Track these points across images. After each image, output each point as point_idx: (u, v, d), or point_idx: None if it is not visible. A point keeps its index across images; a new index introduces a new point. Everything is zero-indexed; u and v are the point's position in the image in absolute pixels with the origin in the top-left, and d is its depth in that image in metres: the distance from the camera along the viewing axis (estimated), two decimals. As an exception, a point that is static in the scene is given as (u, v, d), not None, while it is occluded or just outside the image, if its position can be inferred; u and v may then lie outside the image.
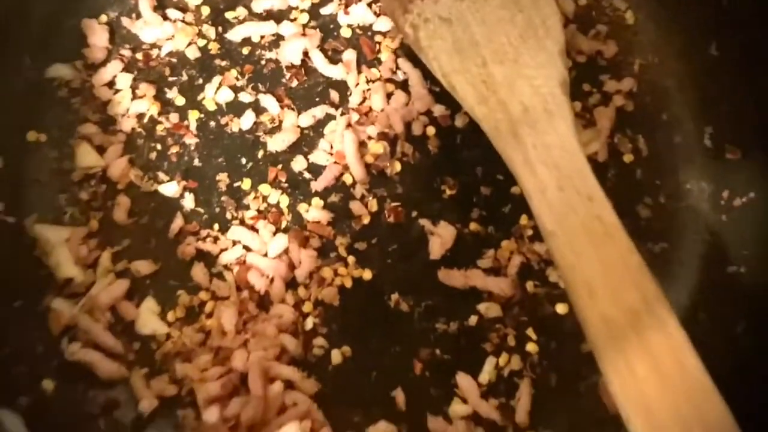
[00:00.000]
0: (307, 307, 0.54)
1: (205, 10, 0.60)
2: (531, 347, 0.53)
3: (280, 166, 0.57)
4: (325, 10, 0.60)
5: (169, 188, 0.56)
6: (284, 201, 0.56)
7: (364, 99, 0.58)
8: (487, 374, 0.53)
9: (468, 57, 0.51)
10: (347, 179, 0.56)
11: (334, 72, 0.58)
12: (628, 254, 0.41)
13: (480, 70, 0.51)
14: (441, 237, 0.55)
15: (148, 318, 0.54)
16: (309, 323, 0.53)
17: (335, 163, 0.57)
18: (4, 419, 0.40)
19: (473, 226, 0.55)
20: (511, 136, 0.47)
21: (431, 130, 0.57)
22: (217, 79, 0.59)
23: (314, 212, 0.56)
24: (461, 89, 0.51)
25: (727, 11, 0.54)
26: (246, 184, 0.56)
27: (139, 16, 0.60)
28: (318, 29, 0.60)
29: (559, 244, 0.43)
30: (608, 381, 0.39)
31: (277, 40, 0.60)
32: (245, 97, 0.58)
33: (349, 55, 0.58)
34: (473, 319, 0.54)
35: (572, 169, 0.45)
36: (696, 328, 0.50)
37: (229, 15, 0.60)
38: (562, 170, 0.45)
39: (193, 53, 0.59)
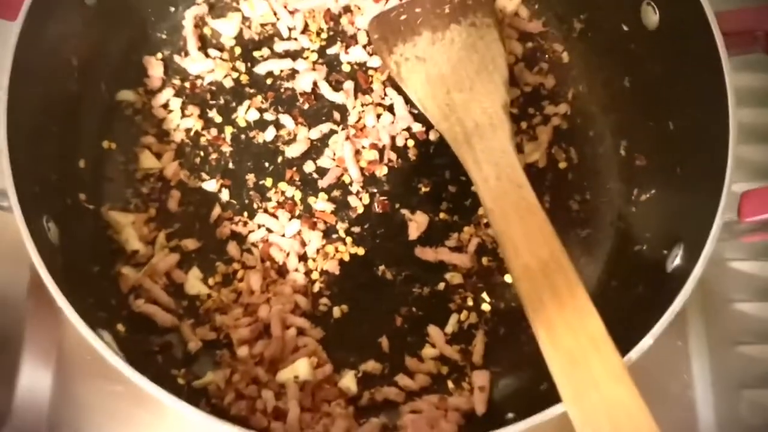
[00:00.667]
0: (314, 275, 0.66)
1: (237, 50, 0.72)
2: (485, 307, 0.66)
3: (294, 169, 0.69)
4: (330, 51, 0.73)
5: (210, 185, 0.68)
6: (298, 195, 0.68)
7: (360, 118, 0.70)
8: (451, 326, 0.65)
9: (436, 87, 0.65)
10: (346, 179, 0.69)
11: (337, 97, 0.71)
12: (543, 223, 0.55)
13: (445, 96, 0.65)
14: (417, 223, 0.67)
15: (193, 282, 0.65)
16: (316, 287, 0.66)
17: (337, 166, 0.69)
18: (104, 336, 0.52)
19: (442, 215, 0.68)
20: (466, 144, 0.62)
21: (411, 142, 0.70)
22: (246, 103, 0.70)
23: (321, 203, 0.68)
24: (431, 110, 0.65)
25: (635, 54, 0.66)
26: (268, 182, 0.68)
27: (187, 53, 0.72)
28: (324, 65, 0.72)
29: (495, 217, 0.57)
30: (525, 308, 0.53)
31: (293, 73, 0.72)
32: (268, 116, 0.70)
33: (349, 84, 0.71)
34: (441, 285, 0.66)
35: (507, 165, 0.59)
36: (609, 291, 0.66)
37: (256, 53, 0.72)
38: (500, 166, 0.59)
39: (228, 83, 0.71)
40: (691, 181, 0.60)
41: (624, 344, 0.51)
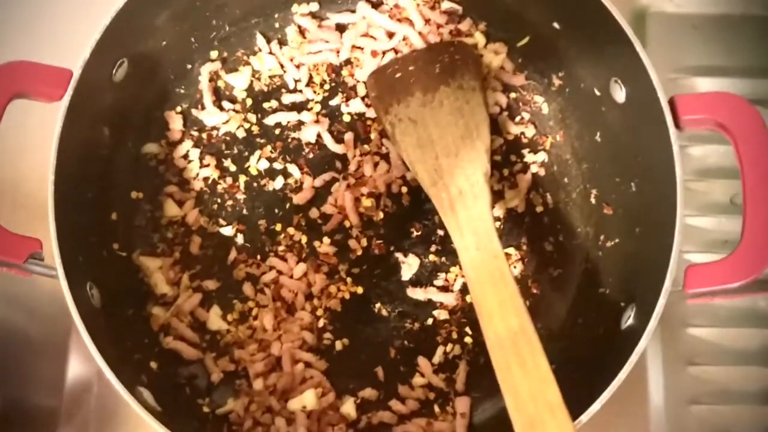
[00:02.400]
0: (319, 312, 0.74)
1: (249, 101, 0.79)
2: (468, 339, 0.74)
3: (301, 215, 0.77)
4: (332, 102, 0.80)
5: (227, 230, 0.76)
6: (304, 239, 0.76)
7: (359, 167, 0.78)
8: (437, 357, 0.74)
9: (426, 151, 0.73)
10: (347, 224, 0.76)
11: (338, 148, 0.78)
12: (514, 294, 0.62)
13: (433, 161, 0.72)
14: (410, 265, 0.76)
15: (214, 319, 0.74)
16: (321, 323, 0.74)
17: (338, 213, 0.77)
18: (143, 393, 0.62)
19: (432, 257, 0.77)
20: (450, 210, 0.69)
21: (404, 189, 0.77)
22: (258, 153, 0.78)
23: (324, 247, 0.76)
24: (420, 174, 0.72)
25: (605, 117, 0.73)
26: (278, 227, 0.76)
27: (203, 107, 0.79)
28: (327, 116, 0.79)
29: (473, 286, 0.65)
30: (497, 374, 0.60)
31: (299, 124, 0.79)
32: (277, 165, 0.78)
33: (349, 136, 0.78)
34: (430, 321, 0.75)
35: (485, 234, 0.66)
36: (575, 328, 0.75)
37: (265, 104, 0.79)
38: (479, 236, 0.66)
39: (241, 133, 0.78)
40: (646, 243, 0.68)
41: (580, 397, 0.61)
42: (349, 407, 0.73)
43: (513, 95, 0.81)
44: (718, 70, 0.88)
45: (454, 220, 0.69)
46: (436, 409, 0.74)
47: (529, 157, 0.79)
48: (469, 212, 0.69)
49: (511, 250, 0.78)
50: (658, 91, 0.64)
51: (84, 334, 0.59)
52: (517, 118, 0.80)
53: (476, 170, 0.71)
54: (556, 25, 0.74)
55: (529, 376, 0.60)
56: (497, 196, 0.78)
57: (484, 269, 0.65)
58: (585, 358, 0.70)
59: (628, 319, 0.66)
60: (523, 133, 0.80)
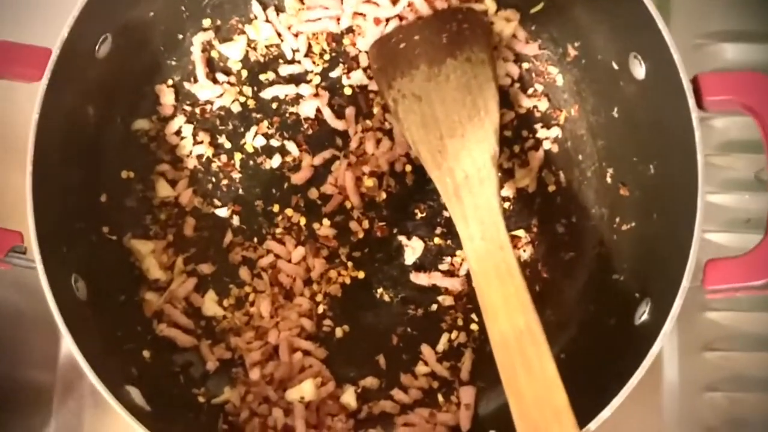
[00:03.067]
0: (318, 298, 0.72)
1: (244, 73, 0.75)
2: (473, 326, 0.72)
3: (299, 195, 0.73)
4: (332, 74, 0.75)
5: (222, 211, 0.73)
6: (302, 221, 0.73)
7: (361, 144, 0.74)
8: (442, 345, 0.71)
9: (430, 131, 0.68)
10: (347, 205, 0.73)
11: (339, 124, 0.74)
12: (521, 290, 0.59)
13: (437, 142, 0.68)
14: (413, 248, 0.73)
15: (210, 305, 0.71)
16: (320, 309, 0.72)
17: (339, 193, 0.73)
18: (131, 392, 0.60)
19: (436, 239, 0.73)
20: (455, 197, 0.65)
21: (408, 168, 0.74)
22: (254, 129, 0.74)
23: (324, 229, 0.73)
24: (424, 156, 0.68)
25: (624, 92, 0.68)
26: (276, 208, 0.73)
27: (196, 79, 0.74)
28: (327, 89, 0.75)
29: (478, 279, 0.62)
30: (501, 375, 0.58)
31: (298, 98, 0.75)
32: (274, 142, 0.74)
33: (350, 111, 0.74)
34: (434, 307, 0.72)
35: (492, 224, 0.63)
36: (586, 315, 0.72)
37: (261, 77, 0.75)
38: (486, 225, 0.63)
39: (236, 108, 0.74)
40: (664, 231, 0.64)
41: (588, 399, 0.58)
42: (349, 396, 0.70)
43: (525, 66, 0.76)
44: (748, 35, 0.82)
45: (459, 207, 0.65)
46: (440, 398, 0.71)
47: (541, 133, 0.75)
48: (475, 199, 0.65)
49: (520, 232, 0.74)
50: (681, 71, 0.59)
51: (66, 333, 0.57)
52: (530, 91, 0.76)
53: (483, 152, 0.67)
54: (571, -8, 0.69)
55: (535, 380, 0.57)
56: (507, 175, 0.75)
57: (490, 261, 0.62)
58: (595, 351, 0.67)
59: (643, 315, 0.62)
60: (535, 107, 0.76)
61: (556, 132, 0.75)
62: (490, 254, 0.62)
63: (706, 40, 0.82)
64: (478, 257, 0.62)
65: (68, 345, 0.57)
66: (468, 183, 0.66)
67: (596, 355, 0.66)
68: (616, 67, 0.68)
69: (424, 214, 0.74)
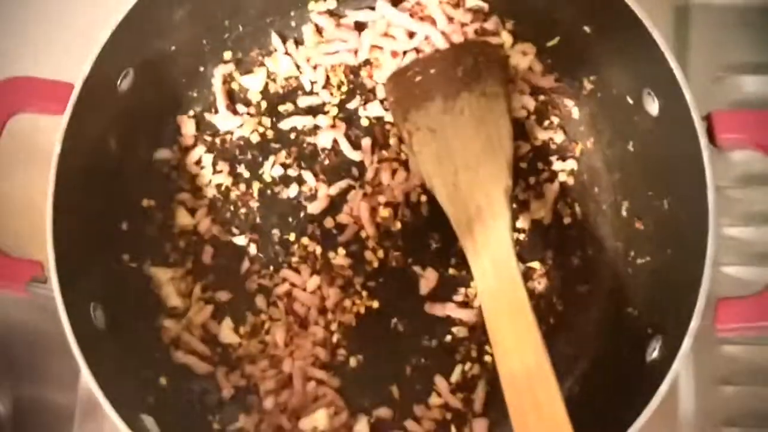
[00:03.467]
0: (333, 327, 0.72)
1: (264, 104, 0.77)
2: (488, 358, 0.71)
3: (315, 224, 0.74)
4: (349, 105, 0.76)
5: (240, 240, 0.74)
6: (318, 250, 0.74)
7: (376, 174, 0.75)
8: (456, 376, 0.71)
9: (444, 165, 0.69)
10: (363, 235, 0.74)
11: (355, 155, 0.75)
12: (531, 327, 0.59)
13: (452, 176, 0.68)
14: (428, 279, 0.73)
15: (226, 332, 0.72)
16: (334, 338, 0.72)
17: (354, 223, 0.74)
18: (145, 421, 0.61)
19: (451, 270, 0.73)
20: (468, 231, 0.66)
21: (424, 198, 0.74)
22: (272, 158, 0.75)
23: (339, 259, 0.73)
24: (438, 190, 0.69)
25: (639, 126, 0.68)
26: (292, 237, 0.74)
27: (216, 111, 0.76)
28: (344, 120, 0.76)
29: (489, 315, 0.62)
30: (510, 413, 0.59)
31: (315, 129, 0.76)
32: (291, 172, 0.75)
33: (366, 142, 0.75)
34: (448, 338, 0.72)
35: (504, 260, 0.63)
36: (599, 348, 0.72)
37: (280, 107, 0.76)
38: (498, 261, 0.63)
39: (255, 138, 0.75)
40: (677, 267, 0.64)
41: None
42: (362, 426, 0.71)
43: (542, 98, 0.76)
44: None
45: (471, 243, 0.66)
46: (453, 430, 0.71)
47: (557, 165, 0.75)
48: (488, 235, 0.65)
49: (535, 264, 0.74)
50: (692, 109, 0.60)
51: (82, 364, 0.58)
52: (546, 123, 0.76)
53: (497, 186, 0.67)
54: (586, 29, 0.69)
55: (543, 420, 0.57)
56: (522, 207, 0.75)
57: (502, 298, 0.62)
58: (608, 386, 0.67)
59: (654, 351, 0.62)
60: (551, 139, 0.76)
61: (571, 164, 0.75)
62: (502, 291, 0.63)
63: (727, 72, 0.81)
64: (490, 294, 0.63)
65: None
66: (481, 217, 0.66)
67: (609, 390, 0.66)
68: (630, 101, 0.69)
69: (438, 245, 0.74)
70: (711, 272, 0.58)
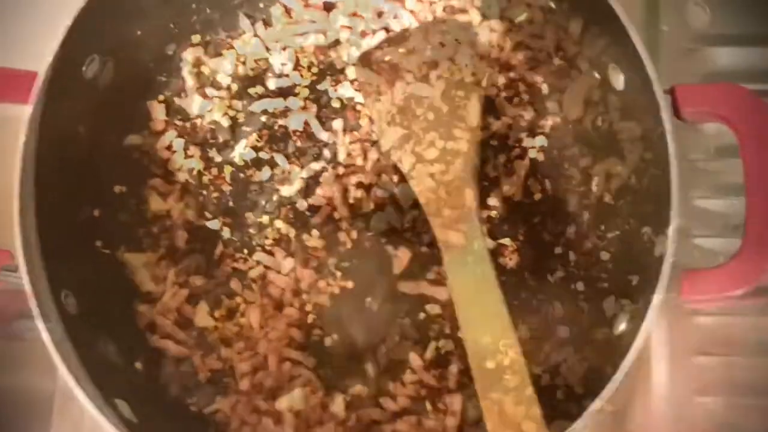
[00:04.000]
0: (308, 308, 0.72)
1: (234, 87, 0.77)
2: (461, 335, 0.70)
3: (289, 207, 0.74)
4: (320, 86, 0.77)
5: (213, 224, 0.74)
6: (292, 232, 0.74)
7: (349, 155, 0.75)
8: (429, 353, 0.71)
9: (413, 142, 0.70)
10: (336, 216, 0.74)
11: (327, 136, 0.75)
12: (499, 304, 0.60)
13: (420, 153, 0.69)
14: (400, 258, 0.73)
15: (202, 316, 0.72)
16: (309, 319, 0.72)
17: (327, 204, 0.74)
18: (120, 406, 0.61)
19: (423, 249, 0.73)
20: (435, 209, 0.67)
21: (396, 178, 0.74)
22: (243, 142, 0.75)
23: (313, 240, 0.74)
24: (407, 169, 0.70)
25: (606, 101, 0.69)
26: (265, 220, 0.74)
27: (186, 94, 0.76)
28: (315, 102, 0.76)
29: (455, 293, 0.63)
30: (476, 386, 0.60)
31: (286, 111, 0.76)
32: (263, 155, 0.75)
33: (338, 123, 0.75)
34: (422, 315, 0.72)
35: (471, 235, 0.64)
36: (572, 321, 0.72)
37: (250, 90, 0.76)
38: (465, 235, 0.64)
39: (226, 122, 0.75)
40: (643, 239, 0.65)
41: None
42: (338, 405, 0.71)
43: (511, 75, 0.76)
44: (742, 38, 0.82)
45: (439, 220, 0.66)
46: (428, 406, 0.72)
47: (527, 141, 0.75)
48: (455, 209, 0.65)
49: (506, 241, 0.74)
50: (654, 83, 0.60)
51: (53, 350, 0.59)
52: (515, 100, 0.76)
53: (465, 164, 0.67)
54: (552, 4, 0.69)
55: (511, 398, 0.58)
56: (493, 184, 0.75)
57: (469, 275, 0.63)
58: (579, 361, 0.68)
59: (622, 323, 0.63)
60: (521, 116, 0.76)
61: (541, 141, 0.75)
62: (468, 265, 0.63)
63: (699, 45, 0.81)
64: (456, 270, 0.63)
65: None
66: (448, 193, 0.66)
67: (580, 362, 0.67)
68: (597, 76, 0.69)
69: (410, 224, 0.75)
70: (676, 244, 0.58)
